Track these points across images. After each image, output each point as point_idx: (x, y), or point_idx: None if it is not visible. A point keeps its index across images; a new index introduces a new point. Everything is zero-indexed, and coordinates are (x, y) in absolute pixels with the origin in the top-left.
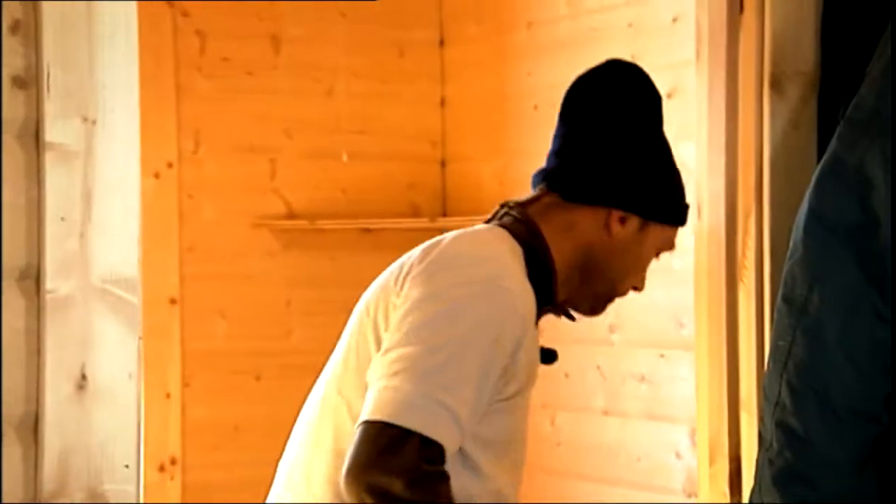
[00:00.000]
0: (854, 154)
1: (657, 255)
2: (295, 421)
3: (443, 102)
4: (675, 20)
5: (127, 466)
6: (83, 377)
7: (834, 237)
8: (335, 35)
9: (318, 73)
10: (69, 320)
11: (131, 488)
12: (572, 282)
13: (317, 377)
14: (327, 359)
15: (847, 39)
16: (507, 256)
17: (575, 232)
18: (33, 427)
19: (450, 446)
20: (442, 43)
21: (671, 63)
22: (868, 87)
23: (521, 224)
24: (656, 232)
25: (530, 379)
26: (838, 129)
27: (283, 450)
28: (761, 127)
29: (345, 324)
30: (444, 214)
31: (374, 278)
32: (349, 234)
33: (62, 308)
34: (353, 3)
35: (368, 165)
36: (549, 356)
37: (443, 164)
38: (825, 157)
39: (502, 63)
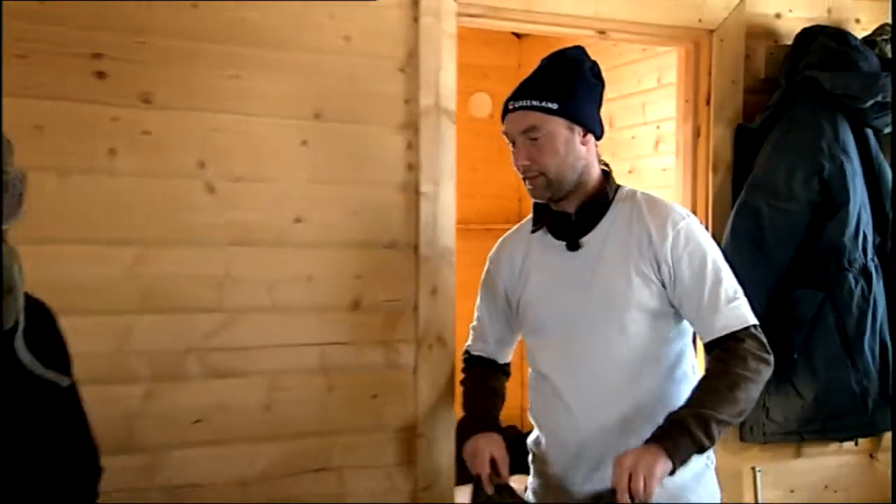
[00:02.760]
0: (752, 199)
1: (512, 143)
2: None
3: None
4: (658, 126)
5: None
6: (434, 291)
7: (741, 241)
8: (475, 144)
9: (470, 163)
10: (429, 269)
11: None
12: None
13: None
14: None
15: (745, 147)
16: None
17: None
18: (413, 312)
19: (470, 347)
20: None
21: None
22: (758, 167)
23: None
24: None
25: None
26: (745, 187)
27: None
28: (707, 187)
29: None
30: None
31: (489, 255)
32: (480, 232)
33: (426, 263)
34: (482, 123)
35: (487, 202)
36: None
37: (519, 200)
38: (738, 201)
39: None
